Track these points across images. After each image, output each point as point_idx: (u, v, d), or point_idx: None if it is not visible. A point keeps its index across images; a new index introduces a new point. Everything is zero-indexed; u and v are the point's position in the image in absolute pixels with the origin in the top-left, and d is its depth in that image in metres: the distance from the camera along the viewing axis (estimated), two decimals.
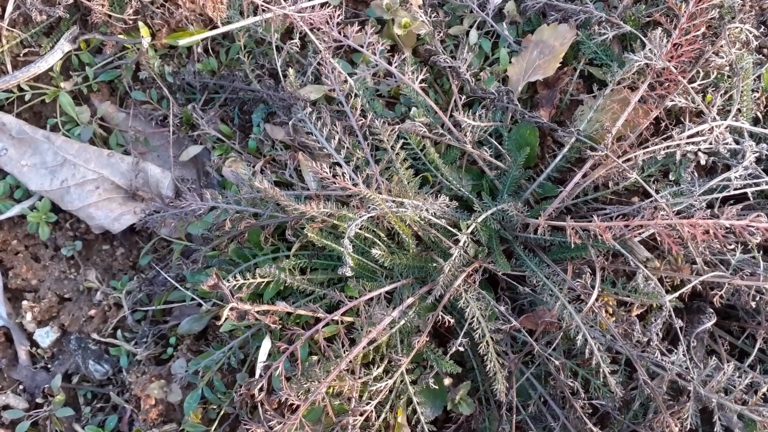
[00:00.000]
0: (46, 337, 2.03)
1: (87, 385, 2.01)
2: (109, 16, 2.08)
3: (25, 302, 2.05)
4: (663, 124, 1.82)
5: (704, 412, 1.50)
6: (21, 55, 2.17)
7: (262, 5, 1.89)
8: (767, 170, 1.72)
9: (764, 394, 1.44)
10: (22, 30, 2.16)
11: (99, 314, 2.04)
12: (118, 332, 2.01)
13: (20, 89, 2.14)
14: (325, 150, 1.78)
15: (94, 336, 2.02)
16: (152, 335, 1.97)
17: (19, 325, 2.05)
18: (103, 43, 2.14)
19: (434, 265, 1.66)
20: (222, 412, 1.83)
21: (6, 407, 2.01)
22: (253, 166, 1.91)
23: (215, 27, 2.05)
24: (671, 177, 1.75)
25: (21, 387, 2.04)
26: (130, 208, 2.01)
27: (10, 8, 2.13)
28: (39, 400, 2.01)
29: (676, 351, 1.49)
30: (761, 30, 2.01)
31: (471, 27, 2.06)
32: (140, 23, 2.06)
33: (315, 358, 1.71)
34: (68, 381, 2.02)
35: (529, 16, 2.05)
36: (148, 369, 1.91)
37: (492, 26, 2.04)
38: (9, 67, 2.16)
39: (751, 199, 1.67)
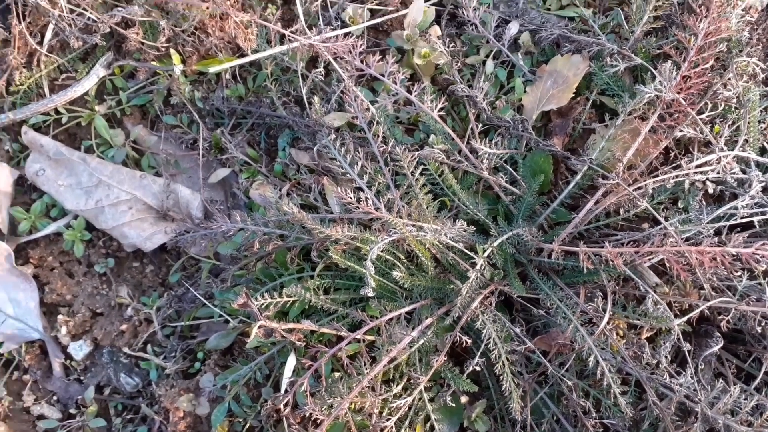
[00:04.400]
0: (79, 350, 2.13)
1: (118, 397, 2.10)
2: (143, 44, 2.18)
3: (60, 316, 2.15)
4: (672, 153, 1.90)
5: None
6: (58, 79, 2.27)
7: (289, 35, 1.98)
8: None
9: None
10: (59, 56, 2.26)
11: (130, 329, 2.13)
12: (148, 347, 2.11)
13: (57, 112, 2.24)
14: (348, 175, 1.86)
15: (125, 350, 2.11)
16: (181, 350, 2.07)
17: (54, 338, 2.14)
18: (136, 68, 2.24)
19: (452, 287, 1.74)
20: (248, 425, 1.91)
21: (41, 417, 2.10)
22: (280, 190, 2.00)
23: (243, 55, 2.15)
24: (680, 204, 1.82)
25: (55, 398, 2.13)
26: (161, 228, 2.10)
27: (48, 35, 2.24)
28: (72, 411, 2.10)
29: (684, 373, 1.56)
30: (767, 63, 2.08)
31: (487, 57, 2.15)
32: (172, 51, 2.16)
33: (338, 374, 1.79)
34: (100, 393, 2.11)
35: (544, 46, 2.14)
36: (177, 382, 2.00)
37: (507, 56, 2.13)
38: (47, 90, 2.26)
39: (757, 227, 1.73)
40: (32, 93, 2.25)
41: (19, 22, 2.19)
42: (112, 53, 2.26)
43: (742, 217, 1.71)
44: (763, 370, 1.66)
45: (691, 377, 1.56)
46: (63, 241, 2.18)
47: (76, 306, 2.16)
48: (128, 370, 2.09)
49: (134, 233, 2.11)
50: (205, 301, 1.99)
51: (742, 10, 2.10)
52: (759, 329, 1.60)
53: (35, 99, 2.25)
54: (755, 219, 1.71)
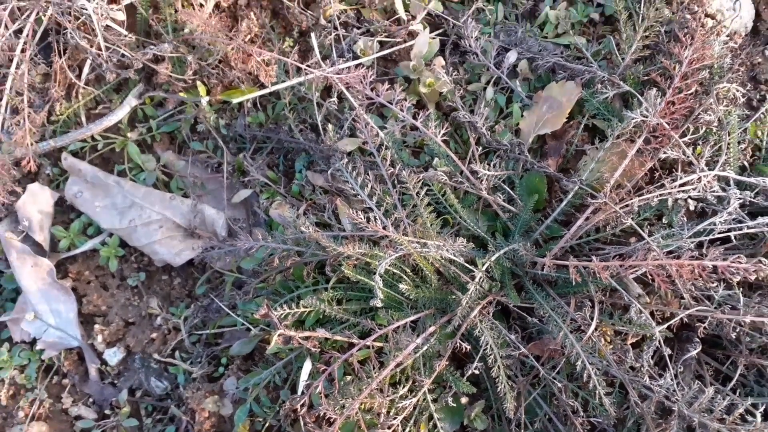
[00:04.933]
0: (113, 356, 2.32)
1: (148, 399, 2.29)
2: (171, 76, 2.37)
3: (96, 326, 2.34)
4: (657, 173, 2.04)
5: (689, 429, 1.70)
6: (94, 109, 2.47)
7: (305, 68, 2.17)
8: (752, 213, 1.92)
9: (741, 413, 1.64)
10: (95, 88, 2.46)
11: (159, 337, 2.32)
12: (176, 353, 2.29)
13: (93, 139, 2.43)
14: (359, 196, 2.03)
15: (155, 356, 2.30)
16: (206, 356, 2.24)
17: (91, 345, 2.34)
18: (165, 99, 2.44)
19: (453, 297, 1.88)
20: (267, 424, 2.08)
21: (78, 417, 2.29)
22: (297, 209, 2.18)
23: (263, 86, 2.33)
24: (665, 220, 1.97)
25: (91, 400, 2.32)
26: (189, 245, 2.30)
27: (86, 70, 2.44)
28: (107, 412, 2.28)
29: (664, 375, 1.70)
30: (749, 86, 2.22)
31: (488, 83, 2.32)
32: (198, 82, 2.36)
33: (349, 378, 1.93)
34: (132, 395, 2.29)
35: (540, 73, 2.30)
36: (203, 386, 2.17)
37: (506, 83, 2.29)
38: (84, 120, 2.46)
39: (734, 240, 1.87)
40: (71, 122, 2.45)
41: (60, 58, 2.41)
42: (142, 85, 2.47)
43: (720, 232, 1.85)
44: (738, 372, 1.79)
45: (671, 379, 1.69)
46: (99, 256, 2.37)
47: (111, 316, 2.36)
48: (158, 374, 2.28)
49: (164, 250, 2.30)
50: (229, 311, 2.17)
51: (727, 36, 2.26)
52: (734, 335, 1.73)
53: (74, 127, 2.45)
54: (732, 234, 1.84)
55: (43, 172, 2.45)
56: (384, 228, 1.74)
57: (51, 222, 2.40)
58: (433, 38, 2.36)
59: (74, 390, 2.33)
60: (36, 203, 2.36)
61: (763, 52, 2.34)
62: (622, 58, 2.20)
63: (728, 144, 1.98)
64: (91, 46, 2.32)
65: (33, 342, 2.33)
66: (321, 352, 1.88)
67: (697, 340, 1.82)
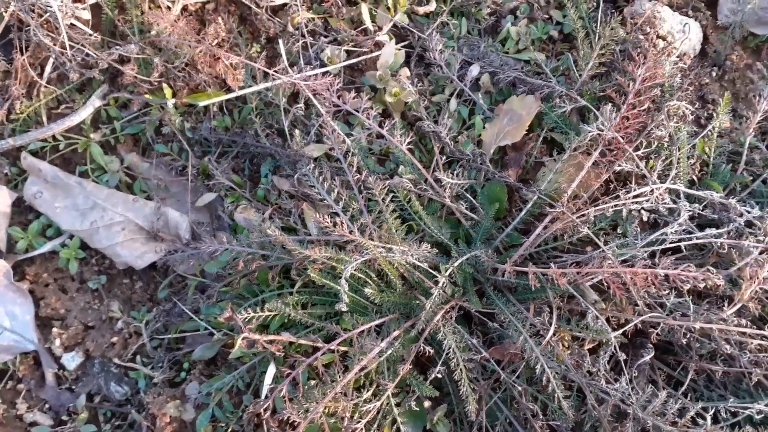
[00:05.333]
0: (72, 360, 2.27)
1: (107, 405, 2.25)
2: (136, 77, 2.36)
3: (54, 329, 2.29)
4: (612, 185, 2.12)
5: None
6: (56, 109, 2.44)
7: (273, 74, 2.19)
8: (700, 225, 2.02)
9: (692, 416, 1.72)
10: (57, 87, 2.43)
11: (120, 341, 2.29)
12: (137, 357, 2.26)
13: (54, 139, 2.40)
14: (325, 201, 2.05)
15: (116, 360, 2.26)
16: (168, 361, 2.22)
17: (48, 349, 2.29)
18: (130, 100, 2.42)
19: (417, 302, 1.91)
20: (230, 430, 2.08)
21: (33, 424, 2.23)
22: (263, 213, 2.19)
23: (230, 90, 2.34)
24: (619, 230, 2.05)
25: (47, 406, 2.26)
26: (151, 248, 2.28)
27: (48, 68, 2.41)
28: (64, 418, 2.22)
29: (620, 380, 1.77)
30: (697, 105, 2.35)
31: (451, 95, 2.38)
32: (164, 85, 2.35)
33: (313, 382, 1.93)
34: (90, 401, 2.24)
35: (501, 87, 2.37)
36: (164, 391, 2.15)
37: (469, 95, 2.36)
38: (45, 119, 2.42)
39: (684, 251, 1.96)
40: (31, 121, 2.41)
41: (21, 56, 2.37)
42: (107, 85, 2.44)
43: (671, 242, 1.94)
44: (689, 377, 1.88)
45: (626, 384, 1.76)
46: (58, 258, 2.33)
47: (70, 319, 2.31)
48: (118, 379, 2.25)
49: (126, 252, 2.27)
50: (192, 315, 2.16)
51: (677, 57, 2.38)
52: (685, 341, 1.82)
53: (34, 127, 2.41)
54: (682, 244, 1.94)
55: (1, 172, 2.40)
56: (350, 232, 1.77)
57: (8, 222, 2.34)
58: (399, 49, 2.42)
59: (29, 395, 2.27)
60: None
61: (710, 73, 2.47)
62: (580, 75, 2.30)
63: (678, 159, 2.08)
64: (55, 45, 2.28)
65: None
66: (285, 356, 1.89)
67: (651, 345, 1.89)
